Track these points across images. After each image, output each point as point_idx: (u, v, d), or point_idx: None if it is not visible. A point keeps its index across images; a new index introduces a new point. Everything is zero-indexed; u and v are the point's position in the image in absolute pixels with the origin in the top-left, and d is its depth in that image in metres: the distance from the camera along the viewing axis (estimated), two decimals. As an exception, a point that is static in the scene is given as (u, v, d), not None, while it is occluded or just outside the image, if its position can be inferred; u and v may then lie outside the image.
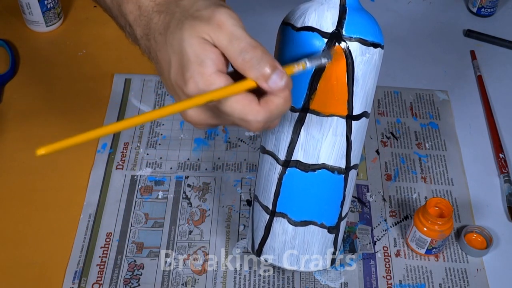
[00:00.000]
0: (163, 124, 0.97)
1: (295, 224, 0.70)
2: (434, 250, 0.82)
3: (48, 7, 1.09)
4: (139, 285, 0.80)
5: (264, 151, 0.70)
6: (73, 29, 1.14)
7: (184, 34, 0.54)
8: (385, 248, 0.84)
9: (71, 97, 1.01)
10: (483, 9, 1.18)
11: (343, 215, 0.72)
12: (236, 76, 0.54)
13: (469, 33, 1.15)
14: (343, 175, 0.68)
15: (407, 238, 0.83)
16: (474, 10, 1.18)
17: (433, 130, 0.98)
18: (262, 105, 0.54)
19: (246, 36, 0.53)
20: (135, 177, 0.91)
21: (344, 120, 0.65)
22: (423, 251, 0.82)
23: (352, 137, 0.66)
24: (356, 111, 0.65)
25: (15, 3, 1.10)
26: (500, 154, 0.94)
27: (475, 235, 0.85)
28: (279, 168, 0.68)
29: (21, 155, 0.93)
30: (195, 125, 0.59)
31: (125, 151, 0.93)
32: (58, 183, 0.90)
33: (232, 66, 0.55)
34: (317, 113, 0.65)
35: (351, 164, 0.69)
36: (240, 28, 0.54)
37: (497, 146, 0.96)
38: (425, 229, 0.80)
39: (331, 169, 0.67)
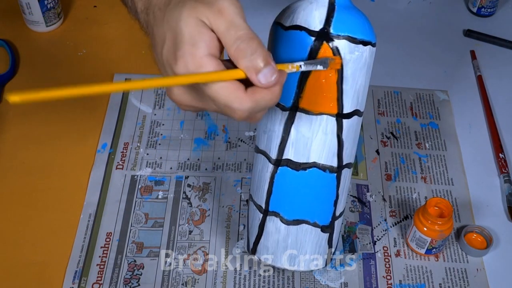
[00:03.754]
0: (163, 124, 0.97)
1: (287, 223, 0.70)
2: (434, 250, 0.82)
3: (48, 7, 1.09)
4: (139, 285, 0.80)
5: (258, 150, 0.70)
6: (73, 29, 1.14)
7: (183, 14, 0.53)
8: (385, 248, 0.84)
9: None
10: (483, 9, 1.17)
11: (337, 214, 0.72)
12: (230, 66, 0.54)
13: (469, 33, 1.14)
14: (335, 174, 0.68)
15: (407, 238, 0.83)
16: (474, 10, 1.18)
17: (433, 130, 0.97)
18: (248, 94, 0.53)
19: (245, 26, 0.53)
20: (135, 177, 0.90)
21: (334, 118, 0.65)
22: (423, 251, 0.82)
23: (344, 136, 0.66)
24: (346, 110, 0.65)
25: (15, 3, 1.09)
26: (500, 154, 0.94)
27: (475, 235, 0.85)
28: (271, 167, 0.68)
29: (21, 155, 0.93)
30: (179, 105, 0.58)
31: (125, 151, 0.93)
32: (58, 183, 0.90)
33: (228, 56, 0.54)
34: (307, 112, 0.65)
35: (344, 163, 0.68)
36: (240, 17, 0.53)
37: (497, 146, 0.96)
38: (425, 229, 0.80)
39: (323, 168, 0.67)
